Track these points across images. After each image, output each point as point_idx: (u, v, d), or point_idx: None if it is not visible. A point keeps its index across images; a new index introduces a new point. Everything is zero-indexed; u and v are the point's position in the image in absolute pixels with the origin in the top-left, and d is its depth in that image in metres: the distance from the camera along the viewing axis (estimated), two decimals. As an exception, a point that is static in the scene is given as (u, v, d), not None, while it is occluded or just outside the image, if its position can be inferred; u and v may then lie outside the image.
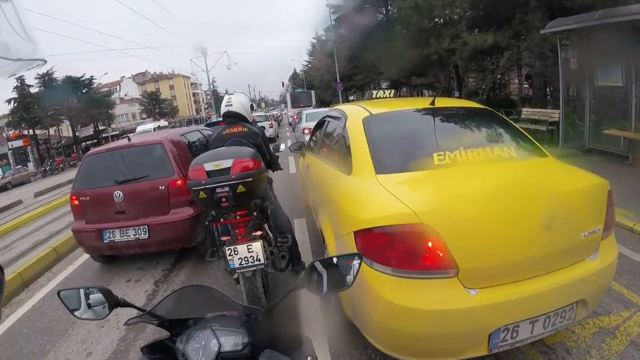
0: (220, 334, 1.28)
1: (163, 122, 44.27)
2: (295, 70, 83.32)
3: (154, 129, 30.73)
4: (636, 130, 8.97)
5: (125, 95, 75.18)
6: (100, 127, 54.05)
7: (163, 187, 4.96)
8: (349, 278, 1.36)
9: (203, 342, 1.26)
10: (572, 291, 2.41)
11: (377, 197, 2.47)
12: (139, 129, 30.87)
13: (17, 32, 0.51)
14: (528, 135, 3.32)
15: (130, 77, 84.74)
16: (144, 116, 67.79)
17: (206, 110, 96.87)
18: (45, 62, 0.62)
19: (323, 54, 43.22)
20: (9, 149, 44.40)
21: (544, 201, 2.32)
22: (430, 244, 2.15)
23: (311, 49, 53.65)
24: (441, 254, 2.15)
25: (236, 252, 3.12)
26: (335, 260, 1.38)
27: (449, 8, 17.27)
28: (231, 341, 1.28)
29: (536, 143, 3.23)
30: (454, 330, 2.20)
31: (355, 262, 1.37)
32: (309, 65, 56.77)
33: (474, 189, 2.48)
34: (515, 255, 2.27)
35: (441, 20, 19.01)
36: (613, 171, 7.88)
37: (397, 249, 2.20)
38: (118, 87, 75.37)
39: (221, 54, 48.67)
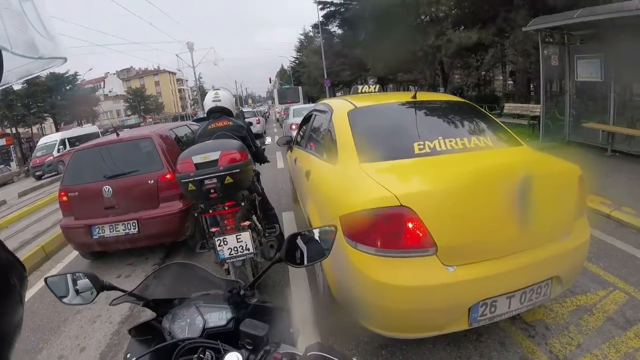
0: (205, 310, 1.32)
1: (83, 129, 34.29)
2: (282, 66, 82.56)
3: (61, 142, 26.60)
4: (615, 124, 9.30)
5: (110, 91, 73.77)
6: (85, 125, 53.04)
7: (152, 181, 4.98)
8: (327, 249, 1.42)
9: (188, 320, 1.30)
10: (547, 268, 2.59)
11: (360, 183, 2.61)
12: (42, 141, 27.88)
13: (37, 30, 0.57)
14: (504, 126, 3.55)
15: (114, 74, 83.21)
16: (129, 113, 66.64)
17: (192, 107, 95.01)
18: (66, 60, 0.68)
19: (311, 50, 43.13)
20: (-8, 148, 42.85)
21: (517, 185, 2.48)
22: (410, 225, 2.30)
23: (299, 45, 53.55)
24: (420, 234, 2.30)
25: (225, 243, 3.21)
26: (314, 234, 1.44)
27: (435, 5, 17.46)
28: (215, 317, 1.31)
29: (511, 133, 3.44)
30: (435, 305, 2.35)
31: (332, 234, 1.44)
32: (297, 62, 56.42)
33: (452, 174, 2.66)
34: (490, 235, 2.44)
35: (427, 17, 19.18)
36: (592, 162, 8.19)
37: (380, 230, 2.34)
38: (102, 83, 73.94)
39: (208, 49, 47.94)
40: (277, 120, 31.72)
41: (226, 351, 1.10)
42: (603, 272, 3.99)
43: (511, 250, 2.50)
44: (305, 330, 1.32)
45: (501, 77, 29.64)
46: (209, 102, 4.45)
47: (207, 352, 1.10)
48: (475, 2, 16.05)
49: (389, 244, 2.34)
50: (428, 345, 2.96)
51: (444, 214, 2.36)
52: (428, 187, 2.52)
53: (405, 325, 2.47)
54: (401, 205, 2.28)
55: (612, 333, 3.07)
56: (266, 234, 3.80)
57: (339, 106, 3.67)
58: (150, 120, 62.39)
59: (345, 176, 2.86)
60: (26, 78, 0.62)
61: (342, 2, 34.25)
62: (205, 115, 4.69)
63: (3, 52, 0.50)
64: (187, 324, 1.29)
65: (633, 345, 2.96)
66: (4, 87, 0.55)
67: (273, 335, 1.24)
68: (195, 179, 3.12)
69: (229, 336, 1.25)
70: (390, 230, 2.34)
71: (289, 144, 5.57)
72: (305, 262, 1.42)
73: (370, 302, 2.46)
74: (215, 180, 3.12)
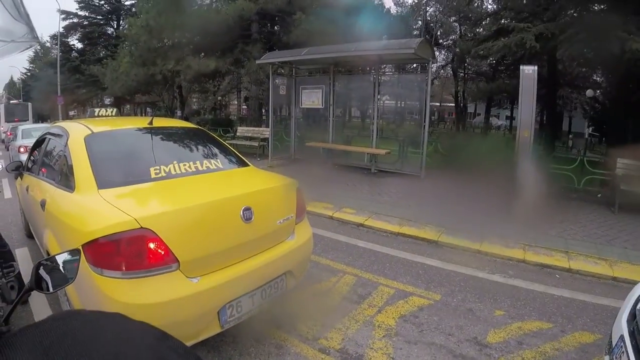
0: None
1: None
2: (12, 78, 70.03)
3: None
4: (333, 142, 11.07)
5: None
6: None
7: None
8: (71, 277, 1.49)
9: None
10: (278, 266, 3.08)
11: (100, 209, 2.62)
12: None
13: (11, 14, 0.54)
14: (232, 149, 4.03)
15: None
16: None
17: None
18: (40, 43, 0.62)
19: (46, 62, 38.39)
20: None
21: (242, 200, 2.94)
22: (152, 245, 2.44)
23: (33, 56, 46.90)
24: (162, 252, 2.46)
25: None
26: (58, 263, 1.49)
27: (179, 31, 17.69)
28: None
29: (239, 155, 3.95)
30: (185, 316, 2.52)
31: (75, 259, 1.51)
32: (29, 74, 49.28)
33: (186, 194, 2.95)
34: (225, 245, 2.77)
35: (170, 42, 19.27)
36: (317, 175, 9.59)
37: (124, 253, 2.40)
38: None
39: None
40: (3, 141, 26.52)
41: None
42: (332, 263, 4.78)
43: (246, 255, 2.89)
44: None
45: (236, 102, 31.73)
46: None
47: None
48: (216, 32, 16.90)
49: (134, 266, 2.41)
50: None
51: (182, 231, 2.58)
52: (165, 209, 2.71)
53: None
54: (141, 227, 2.40)
55: (349, 308, 3.76)
56: (4, 274, 3.36)
57: (76, 130, 3.52)
58: None
59: (84, 203, 2.80)
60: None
61: (87, 15, 32.08)
62: None
63: None
64: None
65: (369, 313, 3.68)
66: None
67: None
68: None
69: None
70: (134, 253, 2.42)
71: (18, 170, 4.95)
72: (51, 290, 1.46)
73: None
74: None
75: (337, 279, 4.36)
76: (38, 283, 1.44)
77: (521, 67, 7.83)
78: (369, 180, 9.55)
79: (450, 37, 30.22)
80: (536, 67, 7.65)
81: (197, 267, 2.59)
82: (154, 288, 2.43)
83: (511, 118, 31.86)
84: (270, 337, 3.29)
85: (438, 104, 39.54)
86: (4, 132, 25.40)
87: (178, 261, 2.50)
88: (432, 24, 29.19)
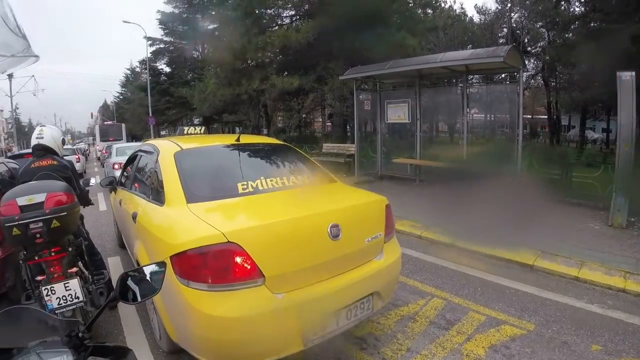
0: (46, 356, 1.24)
1: None
2: (105, 101, 76.33)
3: None
4: (421, 158, 10.70)
5: None
6: None
7: None
8: (157, 287, 1.52)
9: None
10: (365, 285, 2.94)
11: (188, 223, 2.66)
12: None
13: (11, 29, 0.53)
14: (319, 165, 3.98)
15: None
16: None
17: (6, 141, 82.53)
18: (38, 58, 0.63)
19: (136, 86, 41.46)
20: None
21: (330, 216, 2.84)
22: (238, 259, 2.42)
23: (124, 80, 50.95)
24: (249, 267, 2.43)
25: (53, 292, 2.98)
26: (145, 274, 1.51)
27: (261, 52, 18.29)
28: None
29: (326, 171, 3.90)
30: (268, 331, 2.48)
31: (162, 270, 1.54)
32: (121, 97, 53.59)
33: (273, 210, 2.93)
34: (312, 262, 2.69)
35: (253, 62, 19.95)
36: (403, 192, 9.31)
37: (210, 266, 2.41)
38: None
39: (28, 77, 41.68)
40: (98, 158, 29.36)
41: None
42: (421, 284, 4.54)
43: (332, 274, 2.79)
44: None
45: (320, 119, 32.09)
46: (33, 140, 4.19)
47: None
48: (299, 50, 17.24)
49: (220, 279, 2.42)
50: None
51: (269, 247, 2.54)
52: (252, 224, 2.71)
53: (245, 354, 2.53)
54: (228, 241, 2.40)
55: (436, 334, 3.52)
56: (94, 281, 3.56)
57: (166, 147, 3.67)
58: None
59: (173, 217, 2.87)
60: None
61: (172, 40, 34.16)
62: (24, 152, 4.28)
63: None
64: None
65: (457, 341, 3.42)
66: None
67: None
68: (20, 222, 2.87)
69: None
70: (220, 266, 2.42)
71: (112, 184, 5.28)
72: (139, 299, 1.50)
73: (208, 337, 2.49)
74: (41, 223, 2.91)
75: (424, 302, 4.13)
76: (123, 294, 1.48)
77: (617, 73, 7.09)
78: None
79: (539, 44, 28.45)
80: (634, 73, 6.88)
81: (282, 283, 2.54)
82: (239, 302, 2.42)
83: (607, 131, 29.34)
84: (353, 358, 3.17)
85: (530, 116, 37.33)
86: (100, 151, 27.94)
87: (264, 276, 2.47)
88: (518, 31, 27.75)
